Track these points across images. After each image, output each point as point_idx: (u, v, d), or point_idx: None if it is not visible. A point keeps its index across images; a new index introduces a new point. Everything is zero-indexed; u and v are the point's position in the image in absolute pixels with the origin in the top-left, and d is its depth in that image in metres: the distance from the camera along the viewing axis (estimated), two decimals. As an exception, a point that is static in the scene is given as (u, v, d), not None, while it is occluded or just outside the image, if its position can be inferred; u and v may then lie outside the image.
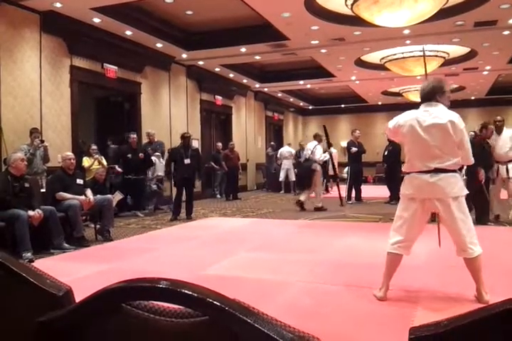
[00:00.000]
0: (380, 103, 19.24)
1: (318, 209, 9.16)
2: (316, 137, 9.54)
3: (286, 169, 13.97)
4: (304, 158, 9.46)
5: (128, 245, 5.88)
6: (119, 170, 8.55)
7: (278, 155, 14.46)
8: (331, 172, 11.90)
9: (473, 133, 8.42)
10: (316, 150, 9.20)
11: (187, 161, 8.05)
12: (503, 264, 4.42)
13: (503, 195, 7.34)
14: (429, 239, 5.87)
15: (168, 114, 11.16)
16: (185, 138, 8.28)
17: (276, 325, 0.62)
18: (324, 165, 14.19)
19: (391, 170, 10.37)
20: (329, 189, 14.20)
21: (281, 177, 14.15)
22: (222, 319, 0.63)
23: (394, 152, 10.39)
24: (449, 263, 4.52)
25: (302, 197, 9.24)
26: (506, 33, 9.25)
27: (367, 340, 2.69)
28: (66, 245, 5.47)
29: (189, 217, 8.12)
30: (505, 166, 7.01)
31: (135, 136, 8.82)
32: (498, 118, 7.27)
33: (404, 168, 3.37)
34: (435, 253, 5.03)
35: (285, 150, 14.32)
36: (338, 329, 2.80)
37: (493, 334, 0.58)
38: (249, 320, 0.61)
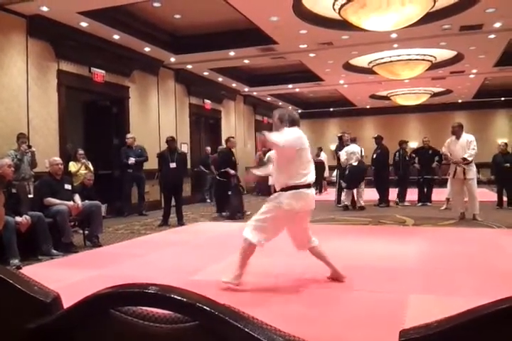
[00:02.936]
0: (368, 106, 19.37)
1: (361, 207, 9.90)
2: (356, 141, 10.22)
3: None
4: (358, 160, 9.82)
5: (117, 251, 5.83)
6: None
7: (265, 159, 14.44)
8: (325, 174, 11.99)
9: None
10: (363, 154, 10.00)
11: (172, 165, 7.98)
12: (493, 266, 4.45)
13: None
14: (417, 243, 5.92)
15: (157, 118, 11.12)
16: (168, 141, 8.25)
17: (267, 330, 0.61)
18: (323, 167, 14.46)
19: (380, 173, 10.44)
20: (322, 191, 14.40)
21: (271, 181, 14.10)
22: (212, 324, 0.63)
23: (382, 155, 10.47)
24: (438, 265, 4.55)
25: (347, 202, 9.87)
26: (492, 36, 9.37)
27: (358, 343, 2.69)
28: (54, 251, 5.40)
29: (181, 223, 8.02)
30: (462, 168, 7.54)
31: None
32: (455, 124, 7.84)
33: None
34: (424, 257, 5.06)
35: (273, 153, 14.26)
36: (328, 333, 2.80)
37: (483, 335, 0.58)
38: (239, 325, 0.61)
